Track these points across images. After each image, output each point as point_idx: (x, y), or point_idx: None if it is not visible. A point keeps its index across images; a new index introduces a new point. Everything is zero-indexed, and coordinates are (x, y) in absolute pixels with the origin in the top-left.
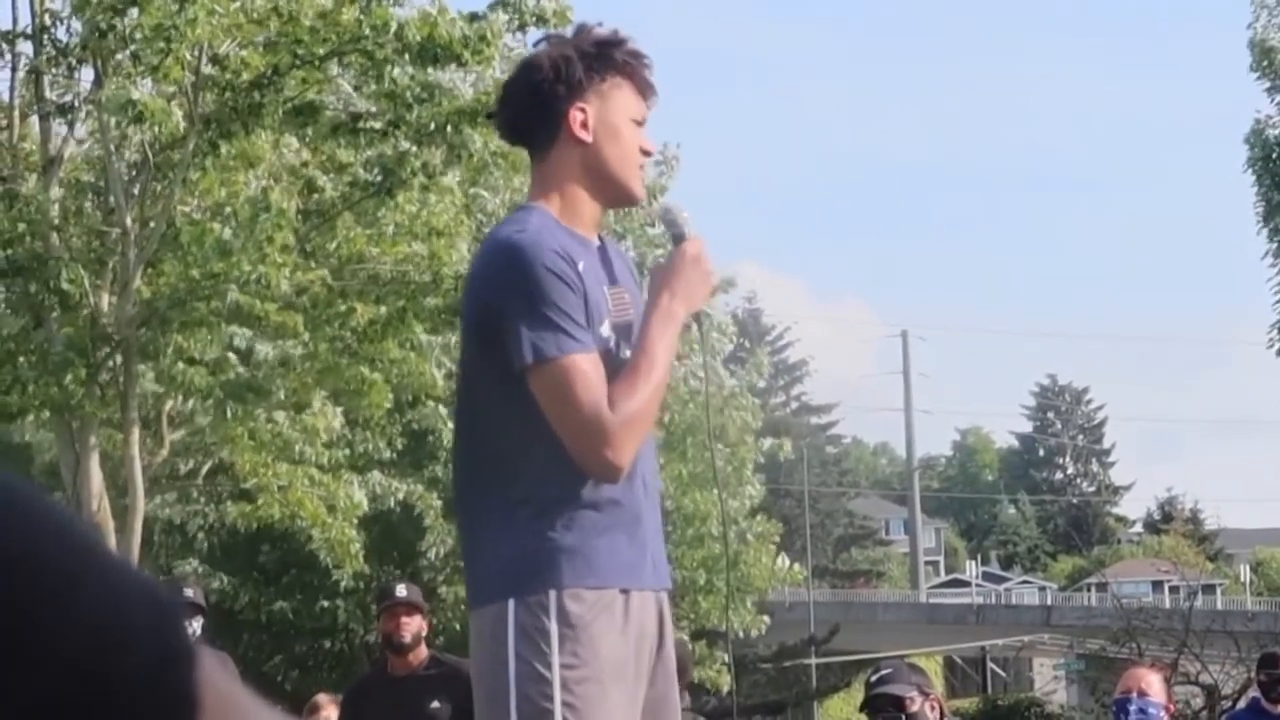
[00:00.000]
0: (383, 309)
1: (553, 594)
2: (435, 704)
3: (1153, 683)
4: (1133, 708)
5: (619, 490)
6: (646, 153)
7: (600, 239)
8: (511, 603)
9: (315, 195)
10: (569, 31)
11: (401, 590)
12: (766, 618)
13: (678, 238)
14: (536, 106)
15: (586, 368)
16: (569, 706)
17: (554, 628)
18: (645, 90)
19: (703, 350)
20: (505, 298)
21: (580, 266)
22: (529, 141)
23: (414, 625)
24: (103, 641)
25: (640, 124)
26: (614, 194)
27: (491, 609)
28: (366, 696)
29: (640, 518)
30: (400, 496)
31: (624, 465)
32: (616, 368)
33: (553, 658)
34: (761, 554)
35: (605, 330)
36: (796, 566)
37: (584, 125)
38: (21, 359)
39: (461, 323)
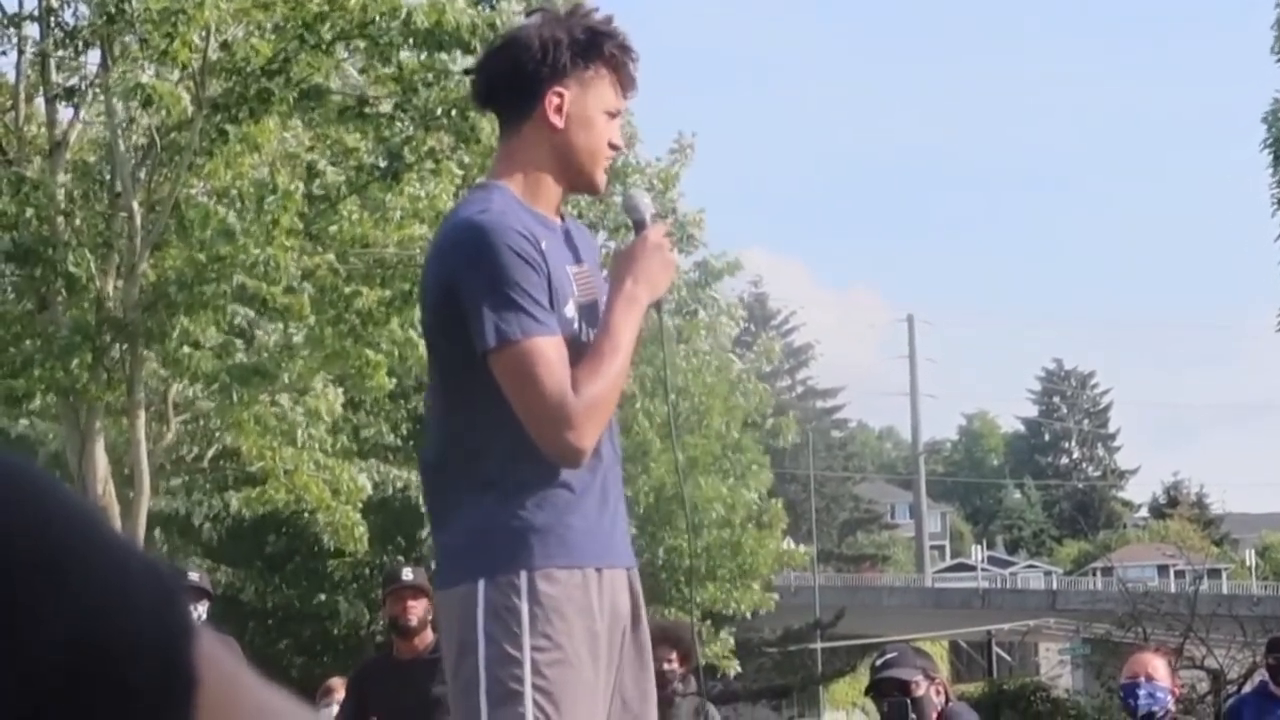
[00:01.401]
0: (387, 292)
1: (524, 574)
2: (440, 688)
3: (1158, 667)
4: (1141, 692)
5: (587, 469)
6: (615, 147)
7: (562, 217)
8: (481, 583)
9: (318, 180)
10: (563, 9)
11: (408, 574)
12: (775, 594)
13: (639, 224)
14: (515, 82)
15: (549, 350)
16: (539, 690)
17: (525, 608)
18: (626, 85)
19: (662, 339)
20: (468, 279)
21: (543, 246)
22: (501, 113)
23: (420, 609)
24: (105, 617)
25: (613, 117)
26: (577, 181)
27: (460, 590)
28: (371, 680)
29: (608, 494)
30: (401, 485)
31: (586, 448)
32: (581, 349)
33: (524, 639)
34: (768, 539)
35: (570, 311)
36: (801, 548)
37: (559, 110)
38: (27, 342)
39: (422, 303)
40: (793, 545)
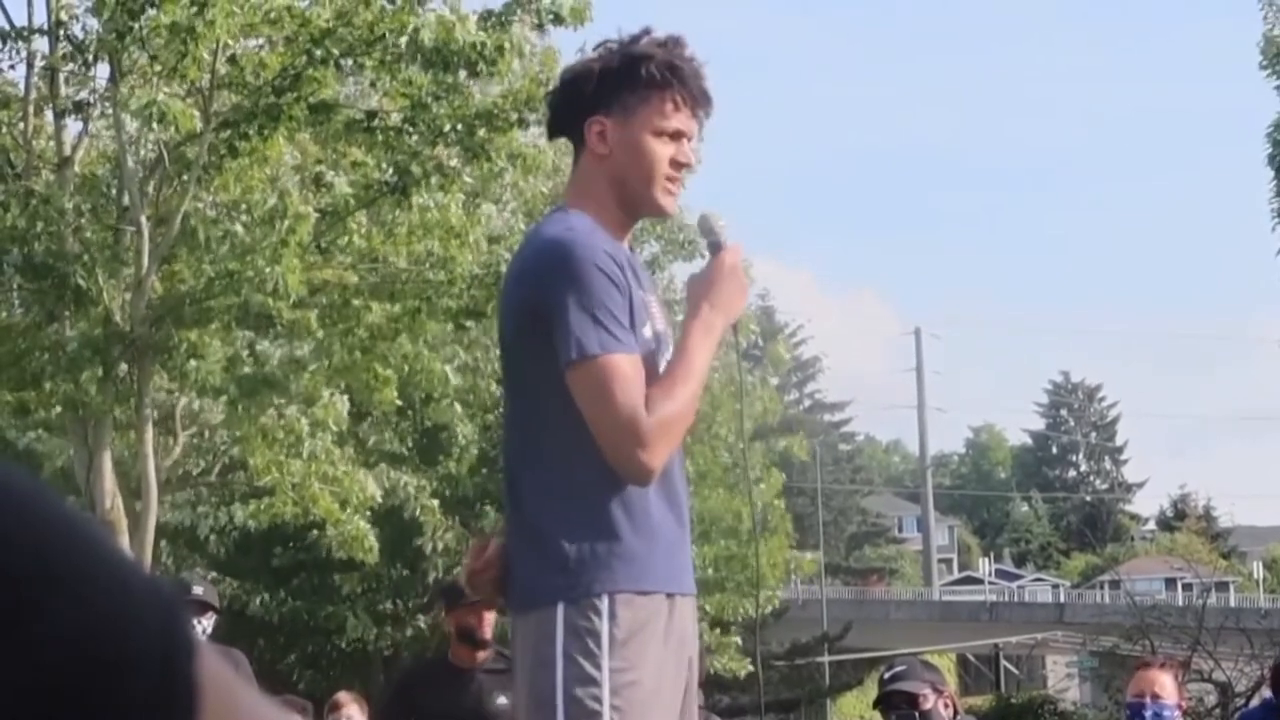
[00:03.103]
0: (397, 307)
1: (605, 598)
2: (502, 699)
3: (1165, 684)
4: (1148, 713)
5: (669, 493)
6: (680, 165)
7: (631, 249)
8: (562, 605)
9: (326, 193)
10: (625, 39)
11: None
12: (779, 591)
13: (714, 246)
14: (563, 116)
15: (627, 368)
16: (617, 710)
17: (605, 629)
18: (688, 102)
19: (737, 358)
20: (556, 294)
21: (626, 270)
22: (572, 144)
23: (492, 620)
24: (104, 630)
25: (676, 136)
26: (636, 206)
27: (541, 610)
28: (424, 684)
29: (684, 518)
30: (411, 490)
31: (656, 468)
32: (655, 372)
33: (603, 660)
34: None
35: (648, 333)
36: (808, 554)
37: (601, 137)
38: (36, 356)
39: (504, 322)
40: (799, 553)
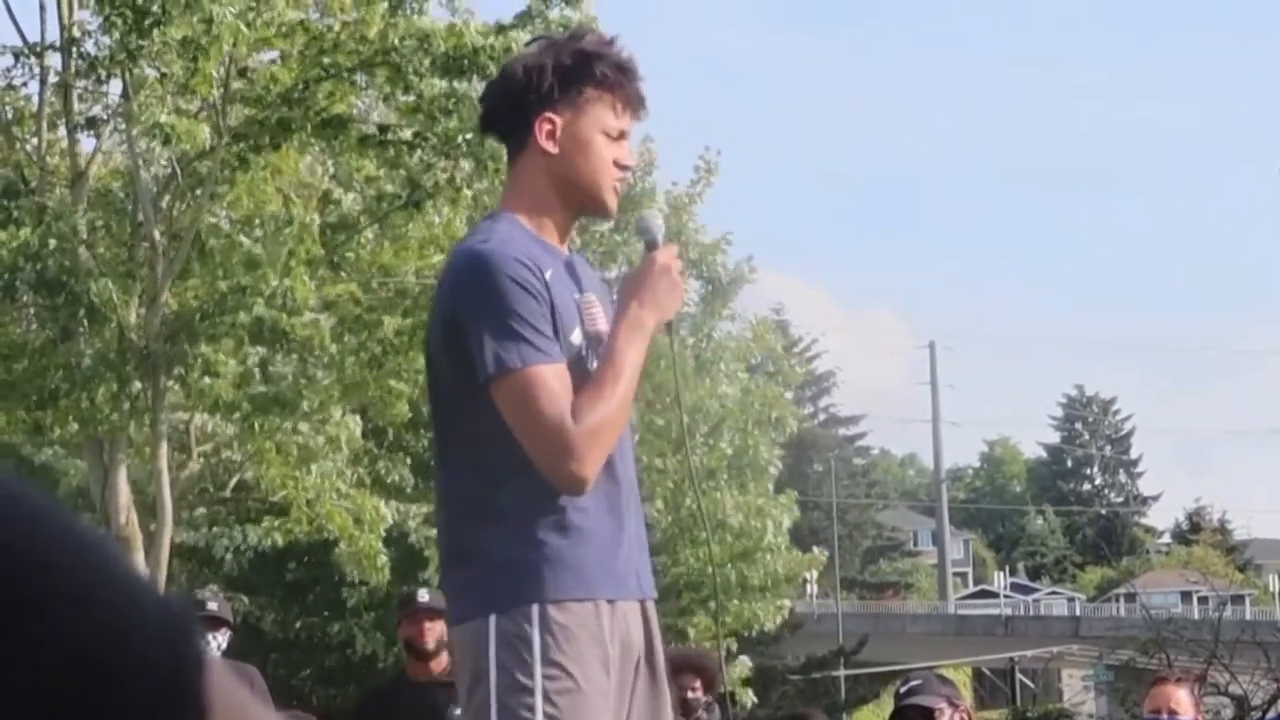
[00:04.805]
0: (408, 320)
1: (535, 606)
2: (457, 711)
3: (1181, 699)
4: None
5: (602, 498)
6: (623, 166)
7: (568, 249)
8: (493, 615)
9: (334, 209)
10: (564, 36)
11: (424, 595)
12: (786, 601)
13: (650, 245)
14: (507, 112)
15: (549, 378)
16: (550, 717)
17: (536, 636)
18: (628, 104)
19: (673, 360)
20: (468, 308)
21: (548, 275)
22: (505, 142)
23: (436, 631)
24: (112, 646)
25: (619, 137)
26: (581, 205)
27: (474, 622)
28: (385, 703)
29: (624, 524)
30: (420, 520)
31: (588, 477)
32: (588, 377)
33: (535, 667)
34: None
35: (576, 338)
36: (816, 550)
37: (550, 135)
38: (51, 372)
39: (428, 335)
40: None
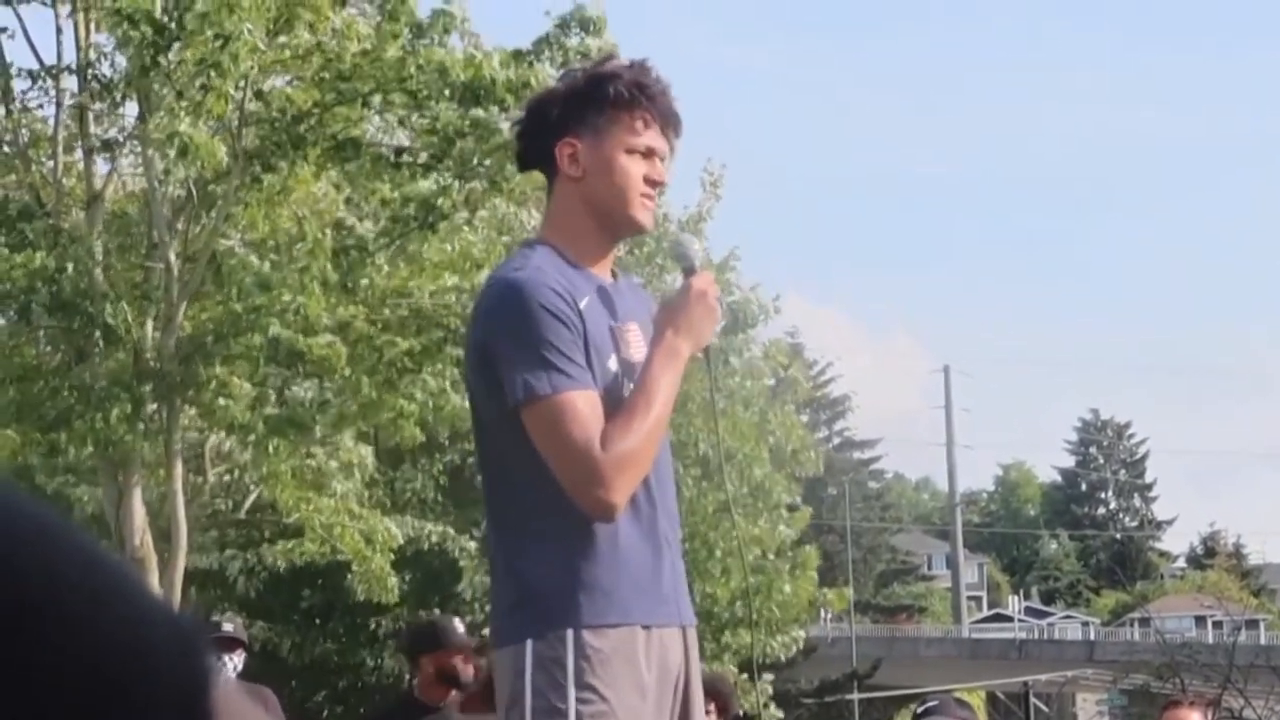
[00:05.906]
0: (419, 341)
1: (570, 631)
2: None
3: None
4: None
5: (640, 523)
6: (654, 182)
7: (614, 275)
8: (530, 640)
9: (347, 233)
10: (587, 64)
11: (461, 630)
12: (801, 632)
13: (687, 270)
14: (533, 144)
15: (579, 405)
16: None
17: (571, 661)
18: (653, 121)
19: (710, 385)
20: (500, 336)
21: (583, 304)
22: (542, 174)
23: (473, 666)
24: (121, 659)
25: (648, 154)
26: (615, 226)
27: (512, 647)
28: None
29: (661, 550)
30: (435, 539)
31: (617, 503)
32: (621, 404)
33: (569, 691)
34: (801, 583)
35: (612, 365)
36: (834, 593)
37: (573, 159)
38: (65, 395)
39: (465, 362)
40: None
